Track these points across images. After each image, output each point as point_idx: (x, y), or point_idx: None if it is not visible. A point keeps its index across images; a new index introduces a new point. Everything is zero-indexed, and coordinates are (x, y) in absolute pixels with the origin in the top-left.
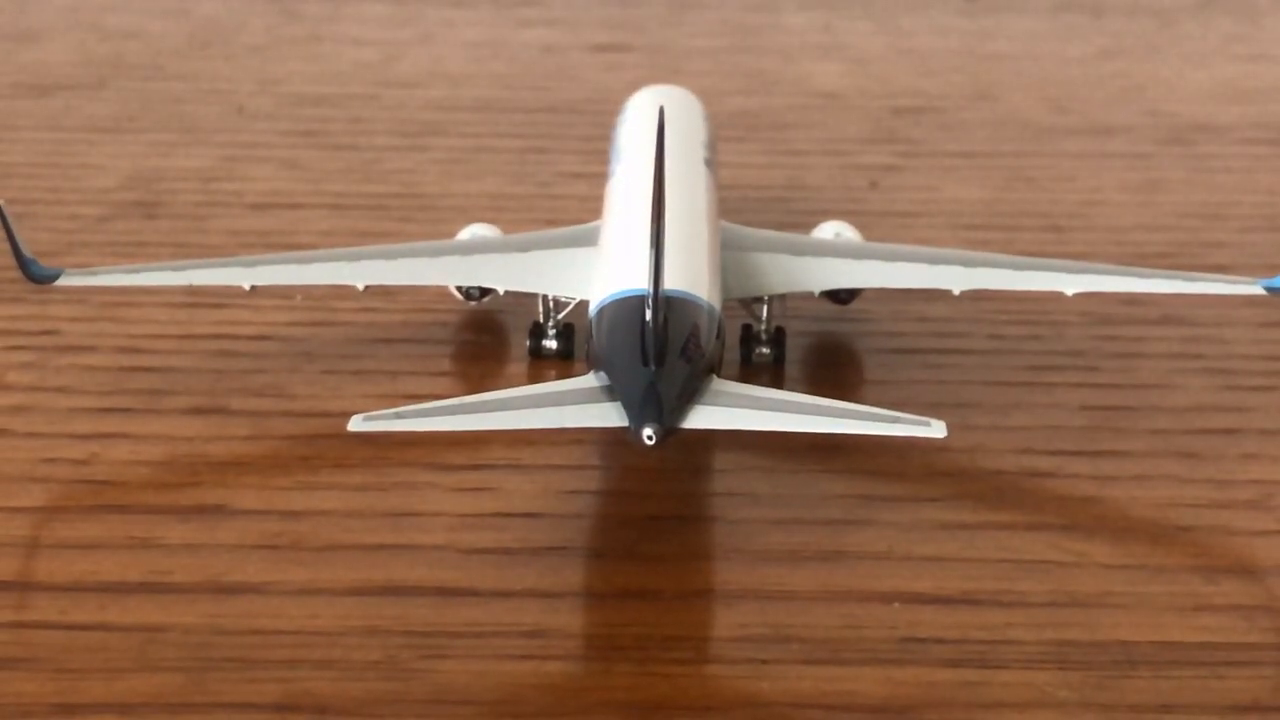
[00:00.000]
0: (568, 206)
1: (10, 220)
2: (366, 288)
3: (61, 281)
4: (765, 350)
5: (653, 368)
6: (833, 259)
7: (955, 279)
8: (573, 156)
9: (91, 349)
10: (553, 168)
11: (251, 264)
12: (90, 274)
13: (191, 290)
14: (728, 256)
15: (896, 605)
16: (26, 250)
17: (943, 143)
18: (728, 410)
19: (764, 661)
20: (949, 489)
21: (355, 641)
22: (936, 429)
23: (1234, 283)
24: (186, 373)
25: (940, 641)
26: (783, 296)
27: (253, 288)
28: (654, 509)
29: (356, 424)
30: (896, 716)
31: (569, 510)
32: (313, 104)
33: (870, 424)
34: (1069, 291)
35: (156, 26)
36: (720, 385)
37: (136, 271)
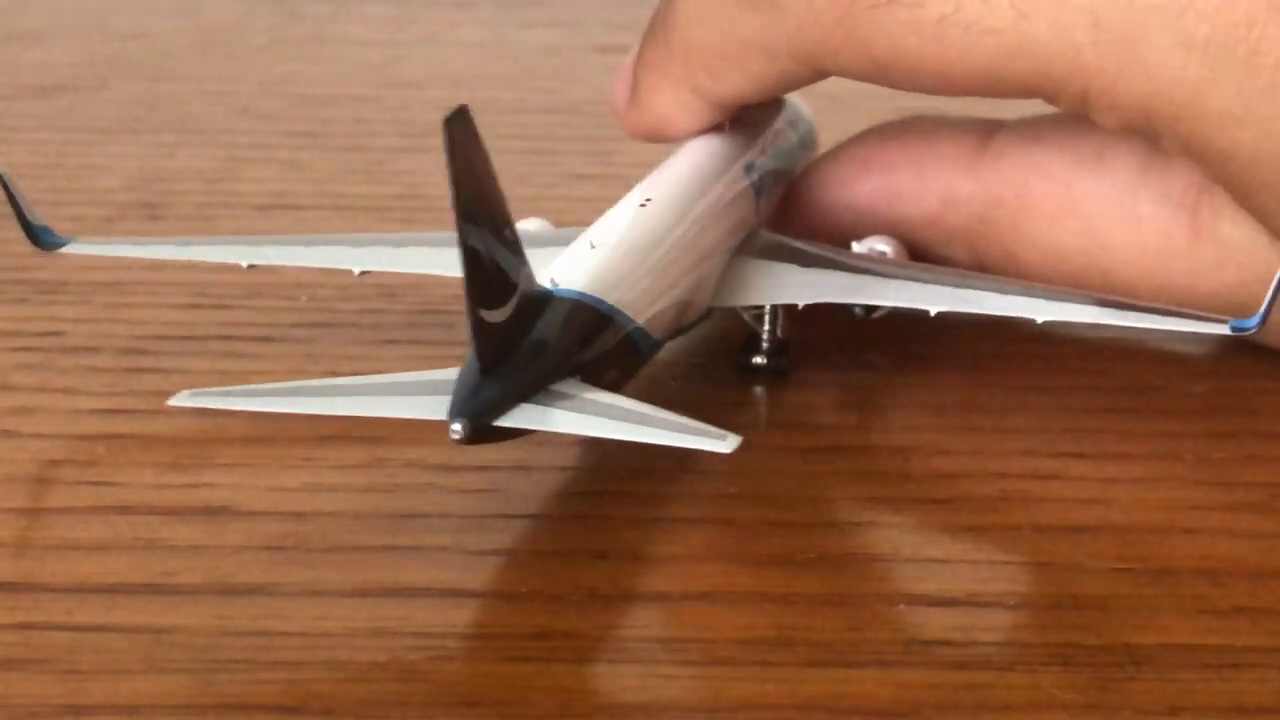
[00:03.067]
0: (573, 208)
1: (15, 188)
2: (363, 273)
3: (69, 249)
4: (760, 360)
5: (478, 365)
6: (819, 272)
7: (934, 298)
8: (577, 158)
9: (96, 350)
10: (557, 169)
11: (255, 243)
12: (98, 243)
13: (196, 290)
14: (725, 263)
15: (902, 607)
16: (34, 217)
17: None
18: (547, 411)
19: (769, 664)
20: (954, 491)
21: (361, 643)
22: (727, 444)
23: (1204, 321)
24: (191, 374)
25: (946, 644)
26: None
27: (250, 266)
28: (659, 511)
29: (180, 399)
30: (902, 719)
31: (574, 512)
32: (316, 105)
33: (664, 433)
34: (1039, 319)
35: (160, 27)
36: (566, 388)
37: (143, 244)
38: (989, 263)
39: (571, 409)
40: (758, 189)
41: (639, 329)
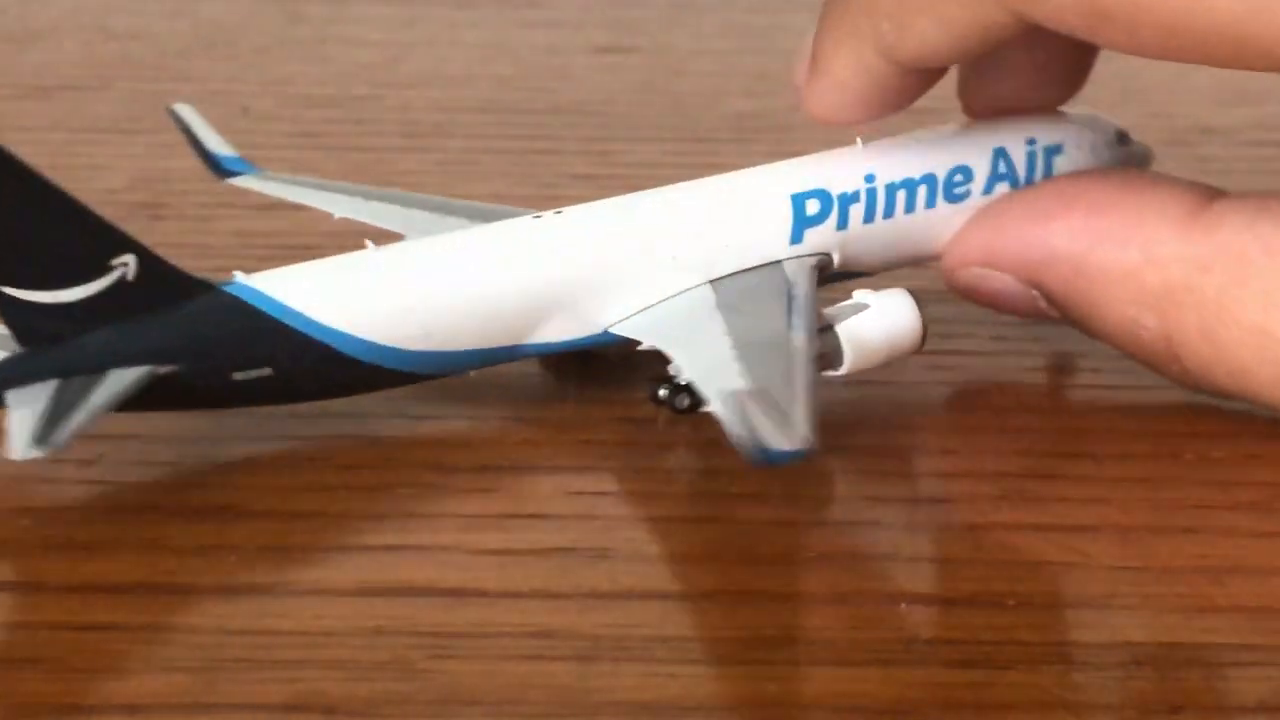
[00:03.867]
0: None
1: (189, 121)
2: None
3: (246, 182)
4: (664, 393)
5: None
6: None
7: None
8: (577, 158)
9: None
10: (557, 169)
11: (383, 198)
12: (275, 179)
13: None
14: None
15: (903, 606)
16: (217, 146)
17: None
18: (56, 393)
19: (771, 663)
20: (954, 490)
21: (363, 642)
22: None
23: (779, 433)
24: None
25: (947, 642)
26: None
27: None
28: (661, 510)
29: None
30: (904, 718)
31: (575, 511)
32: (317, 105)
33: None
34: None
35: (161, 27)
36: (113, 376)
37: (321, 187)
38: (1179, 336)
39: (56, 396)
40: (805, 221)
41: (353, 339)
